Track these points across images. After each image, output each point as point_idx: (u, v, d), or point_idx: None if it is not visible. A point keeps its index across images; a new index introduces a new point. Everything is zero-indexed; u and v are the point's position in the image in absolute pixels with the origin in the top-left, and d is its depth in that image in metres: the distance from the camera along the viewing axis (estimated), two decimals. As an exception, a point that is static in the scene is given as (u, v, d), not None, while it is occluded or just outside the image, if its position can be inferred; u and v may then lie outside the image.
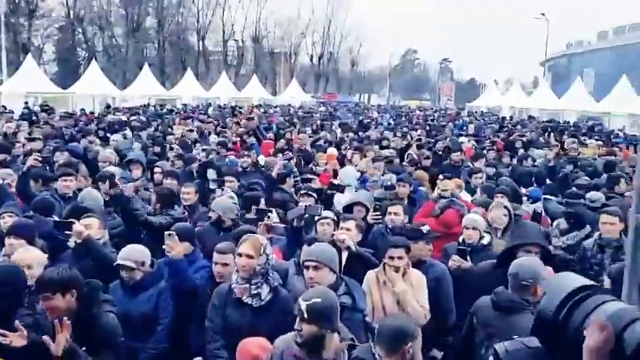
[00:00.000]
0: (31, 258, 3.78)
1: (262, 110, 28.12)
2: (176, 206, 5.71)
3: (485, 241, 5.04)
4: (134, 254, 4.01)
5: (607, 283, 4.37)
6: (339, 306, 2.95)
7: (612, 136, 18.48)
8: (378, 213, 5.44)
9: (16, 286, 3.28)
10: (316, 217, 5.02)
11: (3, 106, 21.06)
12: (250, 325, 3.50)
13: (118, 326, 3.35)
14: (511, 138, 14.61)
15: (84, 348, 3.00)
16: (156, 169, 7.39)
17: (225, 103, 32.97)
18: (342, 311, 3.38)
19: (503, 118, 27.57)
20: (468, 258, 4.70)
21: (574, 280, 1.47)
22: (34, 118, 17.14)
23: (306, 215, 4.93)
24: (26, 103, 23.49)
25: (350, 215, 5.06)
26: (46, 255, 3.98)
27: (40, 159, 6.31)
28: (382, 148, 11.55)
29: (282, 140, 12.71)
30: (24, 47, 46.54)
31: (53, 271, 3.25)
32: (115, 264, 3.95)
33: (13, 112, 19.01)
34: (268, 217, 4.83)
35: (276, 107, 33.15)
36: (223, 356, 3.49)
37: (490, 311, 3.61)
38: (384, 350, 2.91)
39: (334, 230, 4.74)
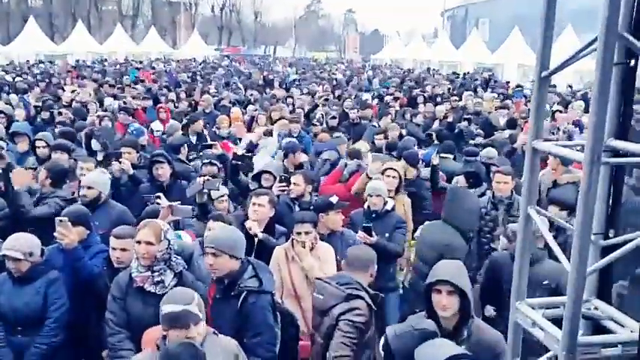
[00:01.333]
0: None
1: (163, 66, 26.94)
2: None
3: (389, 207, 5.15)
4: (21, 244, 3.71)
5: (504, 242, 4.63)
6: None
7: (511, 89, 19.23)
8: (284, 184, 5.37)
9: None
10: (213, 194, 4.89)
11: None
12: (155, 314, 3.35)
13: None
14: (413, 94, 14.93)
15: None
16: (38, 142, 6.59)
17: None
18: (249, 295, 3.38)
19: (408, 71, 28.13)
20: (373, 233, 4.79)
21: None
22: None
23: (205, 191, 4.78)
24: None
25: (263, 191, 4.93)
26: None
27: None
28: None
29: (183, 102, 12.29)
30: None
31: None
32: (-1, 254, 3.65)
33: None
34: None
35: (177, 62, 31.87)
36: (127, 348, 3.35)
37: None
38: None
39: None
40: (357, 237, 4.71)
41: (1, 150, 5.33)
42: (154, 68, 25.17)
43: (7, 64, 25.19)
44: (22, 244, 3.71)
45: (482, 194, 5.93)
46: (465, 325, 2.99)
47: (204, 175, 5.28)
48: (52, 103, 10.63)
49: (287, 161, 6.50)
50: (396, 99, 13.92)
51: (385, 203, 5.12)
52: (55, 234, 3.85)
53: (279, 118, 9.10)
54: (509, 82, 22.47)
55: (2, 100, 11.11)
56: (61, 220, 3.84)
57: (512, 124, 9.75)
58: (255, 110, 10.63)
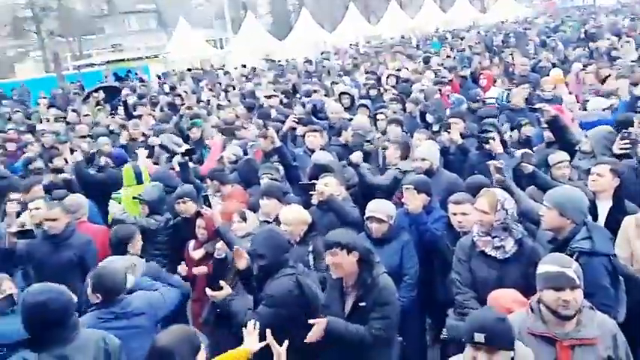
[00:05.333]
0: (292, 217, 4.31)
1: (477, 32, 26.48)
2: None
3: None
4: (383, 208, 4.28)
5: None
6: None
7: None
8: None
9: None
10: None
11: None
12: (497, 278, 3.55)
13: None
14: None
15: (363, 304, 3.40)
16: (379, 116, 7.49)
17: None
18: (580, 256, 3.30)
19: None
20: None
21: None
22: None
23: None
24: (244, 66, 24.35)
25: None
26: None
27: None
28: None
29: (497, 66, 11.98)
30: (242, 3, 50.19)
31: (342, 232, 3.58)
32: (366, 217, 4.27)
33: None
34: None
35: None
36: (473, 307, 3.58)
37: None
38: None
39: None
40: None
41: None
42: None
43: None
44: (384, 208, 4.29)
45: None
46: None
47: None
48: (374, 83, 11.58)
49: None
50: None
51: None
52: (403, 200, 4.34)
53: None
54: None
55: (341, 83, 12.51)
56: (407, 188, 4.31)
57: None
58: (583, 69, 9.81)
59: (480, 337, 2.43)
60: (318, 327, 3.33)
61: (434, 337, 4.86)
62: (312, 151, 6.26)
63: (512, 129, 6.54)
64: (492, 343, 2.43)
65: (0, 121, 13.31)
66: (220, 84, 16.41)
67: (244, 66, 21.55)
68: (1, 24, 36.10)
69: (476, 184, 4.41)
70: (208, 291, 3.73)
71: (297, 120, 6.54)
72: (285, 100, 10.72)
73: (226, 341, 3.76)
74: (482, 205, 3.62)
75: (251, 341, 3.12)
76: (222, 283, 3.77)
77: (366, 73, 14.27)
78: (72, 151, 8.03)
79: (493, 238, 3.60)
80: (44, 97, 17.05)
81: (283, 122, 6.63)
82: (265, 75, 17.97)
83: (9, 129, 11.15)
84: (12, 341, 3.21)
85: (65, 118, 12.01)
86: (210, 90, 15.19)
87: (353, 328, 3.40)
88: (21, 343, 2.93)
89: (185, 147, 6.98)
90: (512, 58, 12.89)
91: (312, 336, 3.32)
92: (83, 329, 3.04)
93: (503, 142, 5.66)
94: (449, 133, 6.00)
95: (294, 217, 4.34)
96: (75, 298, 3.12)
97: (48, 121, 11.76)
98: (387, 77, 11.67)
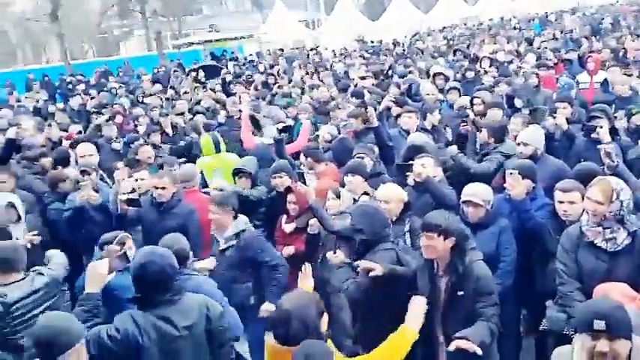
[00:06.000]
0: (389, 193, 4.29)
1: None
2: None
3: None
4: (479, 192, 4.15)
5: None
6: None
7: None
8: None
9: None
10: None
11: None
12: (606, 270, 3.35)
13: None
14: None
15: (461, 292, 3.30)
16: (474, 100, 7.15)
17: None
18: None
19: None
20: None
21: None
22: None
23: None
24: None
25: None
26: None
27: None
28: None
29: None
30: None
31: (442, 215, 3.49)
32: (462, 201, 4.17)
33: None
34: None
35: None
36: (578, 299, 3.41)
37: None
38: None
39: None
40: None
41: None
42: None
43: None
44: (482, 192, 4.15)
45: None
46: None
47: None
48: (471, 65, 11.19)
49: None
50: None
51: None
52: (506, 185, 4.17)
53: None
54: None
55: (435, 65, 12.24)
56: (511, 173, 4.14)
57: None
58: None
59: (599, 325, 2.32)
60: (417, 305, 3.24)
61: (528, 328, 4.68)
62: (407, 132, 6.16)
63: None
64: (613, 330, 2.32)
65: (108, 96, 14.15)
66: (311, 64, 16.55)
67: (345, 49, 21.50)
68: (109, 4, 38.07)
69: (586, 171, 4.16)
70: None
71: (393, 100, 6.47)
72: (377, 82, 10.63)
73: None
74: (595, 194, 3.39)
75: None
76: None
77: (454, 52, 13.84)
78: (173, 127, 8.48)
79: (605, 229, 3.39)
80: (144, 74, 17.99)
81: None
82: (358, 56, 17.90)
83: (115, 103, 11.85)
84: (124, 297, 3.40)
85: (165, 94, 12.62)
86: (303, 70, 15.35)
87: (483, 329, 3.19)
88: (131, 299, 3.10)
89: (283, 124, 7.10)
90: (622, 42, 12.02)
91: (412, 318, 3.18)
92: (189, 294, 3.17)
93: (614, 130, 5.29)
94: (554, 117, 5.69)
95: (390, 193, 4.32)
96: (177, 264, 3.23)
97: (149, 96, 12.39)
98: (481, 60, 11.28)
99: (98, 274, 3.22)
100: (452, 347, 2.99)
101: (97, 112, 10.40)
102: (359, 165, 5.02)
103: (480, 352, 2.96)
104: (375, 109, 6.01)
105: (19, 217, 4.93)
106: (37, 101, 14.32)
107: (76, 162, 6.32)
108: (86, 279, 3.23)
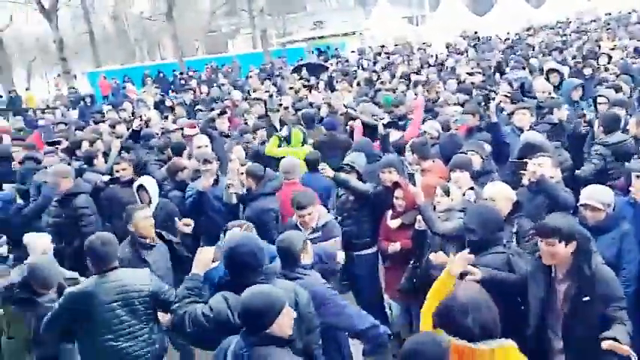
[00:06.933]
0: (496, 191, 4.21)
1: None
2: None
3: None
4: (599, 195, 3.92)
5: None
6: None
7: None
8: None
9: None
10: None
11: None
12: None
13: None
14: None
15: (587, 298, 3.14)
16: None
17: None
18: None
19: None
20: None
21: None
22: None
23: None
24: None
25: None
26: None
27: None
28: None
29: None
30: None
31: (561, 219, 3.37)
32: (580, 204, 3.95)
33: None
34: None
35: None
36: None
37: None
38: None
39: None
40: None
41: None
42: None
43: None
44: (601, 195, 3.93)
45: None
46: None
47: None
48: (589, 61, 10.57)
49: None
50: None
51: None
52: (631, 188, 3.92)
53: None
54: None
55: (550, 60, 11.65)
56: (638, 176, 3.89)
57: None
58: None
59: None
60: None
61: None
62: (520, 130, 5.93)
63: None
64: None
65: (218, 91, 14.78)
66: (416, 61, 16.34)
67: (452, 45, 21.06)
68: (218, 4, 39.71)
69: None
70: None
71: (508, 96, 6.26)
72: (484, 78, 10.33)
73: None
74: None
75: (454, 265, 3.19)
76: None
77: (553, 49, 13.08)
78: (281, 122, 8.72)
79: None
80: (252, 71, 18.67)
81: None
82: (464, 51, 17.47)
83: (226, 99, 12.35)
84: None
85: (268, 91, 12.97)
86: (406, 66, 15.18)
87: (623, 332, 3.02)
88: (225, 282, 3.27)
89: (387, 119, 7.10)
90: None
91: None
92: (279, 279, 3.29)
93: None
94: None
95: (498, 191, 4.21)
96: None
97: (255, 91, 12.78)
98: (598, 57, 10.63)
99: (205, 258, 3.39)
100: (605, 345, 2.86)
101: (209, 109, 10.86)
102: (466, 160, 4.93)
103: (634, 355, 2.81)
104: (480, 105, 5.86)
105: (150, 200, 5.29)
106: (156, 94, 15.28)
107: (189, 155, 6.67)
108: (194, 261, 3.42)
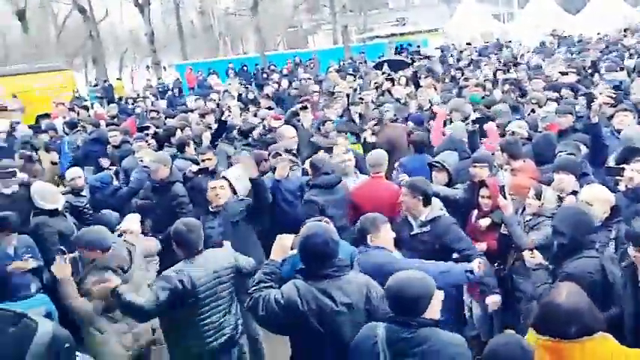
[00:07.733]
0: (593, 193, 4.02)
1: None
2: None
3: None
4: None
5: None
6: None
7: None
8: None
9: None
10: None
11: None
12: None
13: None
14: None
15: None
16: None
17: None
18: None
19: None
20: None
21: None
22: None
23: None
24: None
25: None
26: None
27: None
28: None
29: None
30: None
31: None
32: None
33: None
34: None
35: None
36: None
37: None
38: None
39: None
40: None
41: None
42: None
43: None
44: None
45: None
46: None
47: None
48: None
49: None
50: None
51: None
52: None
53: None
54: None
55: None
56: None
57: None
58: None
59: None
60: None
61: None
62: (619, 133, 5.61)
63: None
64: None
65: (299, 85, 14.97)
66: (503, 58, 15.86)
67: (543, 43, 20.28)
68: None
69: None
70: None
71: (610, 96, 5.95)
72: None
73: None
74: None
75: None
76: None
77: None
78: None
79: None
80: (332, 66, 18.76)
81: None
82: (554, 51, 16.76)
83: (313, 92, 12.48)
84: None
85: (352, 86, 12.97)
86: (493, 65, 14.74)
87: None
88: (298, 271, 3.31)
89: (475, 115, 6.92)
90: None
91: None
92: (353, 272, 3.30)
93: None
94: None
95: (595, 194, 4.02)
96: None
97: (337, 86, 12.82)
98: None
99: (283, 245, 3.45)
100: None
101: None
102: (572, 162, 4.70)
103: None
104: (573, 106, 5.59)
105: (235, 192, 5.41)
106: (241, 84, 15.69)
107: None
108: (273, 247, 3.48)
